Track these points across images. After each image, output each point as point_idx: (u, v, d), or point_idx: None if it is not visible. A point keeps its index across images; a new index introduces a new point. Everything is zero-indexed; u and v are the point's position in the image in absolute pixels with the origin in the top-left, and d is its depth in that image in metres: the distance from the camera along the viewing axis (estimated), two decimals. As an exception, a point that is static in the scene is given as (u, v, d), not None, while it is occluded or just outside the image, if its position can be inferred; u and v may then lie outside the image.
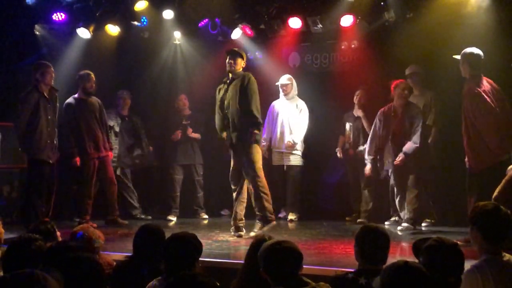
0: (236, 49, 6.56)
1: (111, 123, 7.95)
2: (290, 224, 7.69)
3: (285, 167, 7.97)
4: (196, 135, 8.24)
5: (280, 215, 8.08)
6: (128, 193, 8.12)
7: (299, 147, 7.92)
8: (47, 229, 4.09)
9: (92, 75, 7.32)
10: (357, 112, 7.72)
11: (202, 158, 8.35)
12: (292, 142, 7.82)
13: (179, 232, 3.44)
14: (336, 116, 8.04)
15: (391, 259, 2.65)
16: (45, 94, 6.75)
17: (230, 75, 6.38)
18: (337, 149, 7.87)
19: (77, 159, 7.14)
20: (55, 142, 6.83)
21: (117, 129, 8.11)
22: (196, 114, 8.36)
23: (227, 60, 6.37)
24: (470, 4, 6.77)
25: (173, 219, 7.96)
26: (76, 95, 7.33)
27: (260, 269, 2.98)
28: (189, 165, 8.26)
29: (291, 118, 7.89)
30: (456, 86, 6.70)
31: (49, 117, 6.74)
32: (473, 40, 5.19)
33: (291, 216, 7.90)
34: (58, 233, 4.22)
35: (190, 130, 8.16)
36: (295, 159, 7.95)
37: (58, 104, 6.94)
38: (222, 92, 6.41)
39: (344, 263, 4.70)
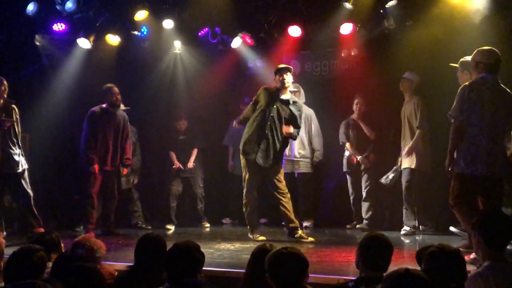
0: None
1: None
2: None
3: (296, 175, 7.94)
4: (193, 157, 8.19)
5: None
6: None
7: (309, 154, 7.94)
8: (52, 240, 4.10)
9: (115, 88, 7.30)
10: (355, 116, 7.75)
11: (202, 171, 8.32)
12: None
13: (181, 242, 3.41)
14: (337, 123, 8.03)
15: (393, 267, 2.65)
16: None
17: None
18: (359, 157, 7.64)
19: (96, 166, 7.14)
20: (11, 152, 6.52)
21: None
22: (194, 126, 8.35)
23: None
24: (470, 12, 6.78)
25: (172, 227, 7.95)
26: (104, 105, 7.33)
27: (266, 275, 2.99)
28: (188, 177, 8.23)
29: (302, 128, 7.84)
30: (454, 94, 6.70)
31: None
32: (473, 48, 5.18)
33: (306, 223, 7.89)
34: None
35: (190, 164, 8.13)
36: (306, 167, 7.95)
37: (18, 117, 6.63)
38: None
39: (345, 271, 4.69)
